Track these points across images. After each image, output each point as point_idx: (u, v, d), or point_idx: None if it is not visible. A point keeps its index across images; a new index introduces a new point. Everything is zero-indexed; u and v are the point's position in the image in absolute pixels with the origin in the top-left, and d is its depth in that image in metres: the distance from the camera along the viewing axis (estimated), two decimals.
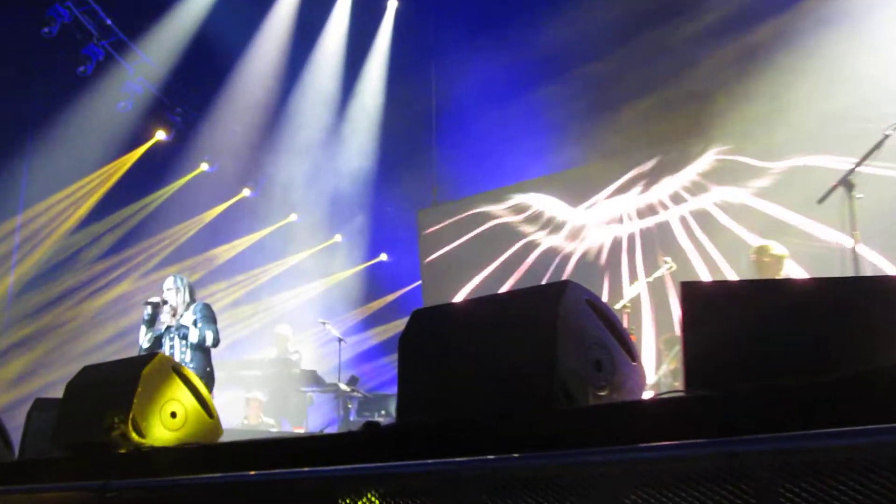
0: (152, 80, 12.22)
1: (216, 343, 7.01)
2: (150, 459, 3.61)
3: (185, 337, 6.99)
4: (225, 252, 14.31)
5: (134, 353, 7.27)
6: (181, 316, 7.28)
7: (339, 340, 10.75)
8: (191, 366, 6.90)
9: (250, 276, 14.84)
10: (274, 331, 11.88)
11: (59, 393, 4.40)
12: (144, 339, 7.13)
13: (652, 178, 10.75)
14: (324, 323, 11.10)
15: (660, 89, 10.29)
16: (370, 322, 16.18)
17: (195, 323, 7.11)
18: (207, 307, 7.26)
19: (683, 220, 10.28)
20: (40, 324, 11.30)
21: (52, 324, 11.39)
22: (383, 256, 16.70)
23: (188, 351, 6.97)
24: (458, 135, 13.18)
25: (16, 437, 4.96)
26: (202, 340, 7.02)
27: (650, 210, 10.66)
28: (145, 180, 12.76)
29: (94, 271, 12.28)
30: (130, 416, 3.91)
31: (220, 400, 8.37)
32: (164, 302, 7.25)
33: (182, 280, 7.41)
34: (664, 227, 10.53)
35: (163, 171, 12.82)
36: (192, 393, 4.21)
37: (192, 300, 7.38)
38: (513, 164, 12.38)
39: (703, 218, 10.46)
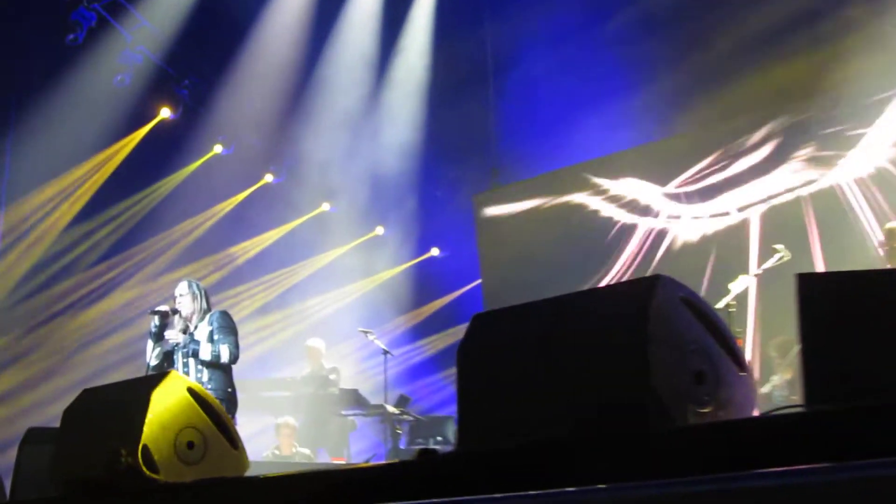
0: (154, 48, 12.43)
1: (234, 359, 7.29)
2: (163, 498, 3.57)
3: (196, 354, 7.32)
4: (247, 249, 14.68)
5: (141, 372, 7.48)
6: (195, 327, 7.48)
7: (385, 353, 11.03)
8: (209, 386, 7.09)
9: (277, 278, 15.08)
10: (306, 344, 12.11)
11: (55, 421, 4.48)
12: (152, 356, 7.34)
13: (764, 148, 10.59)
14: (366, 333, 11.34)
15: (776, 40, 10.13)
16: (421, 330, 16.44)
17: (211, 336, 7.37)
18: (226, 316, 7.53)
19: (802, 201, 10.15)
20: (30, 339, 11.36)
21: (43, 339, 11.63)
22: (434, 251, 16.94)
23: (205, 369, 7.21)
24: (521, 103, 13.01)
25: (6, 473, 4.99)
26: (216, 357, 7.35)
27: (761, 187, 10.52)
28: (150, 166, 13.02)
29: (92, 275, 12.55)
30: (140, 447, 3.97)
31: (246, 427, 8.64)
32: (175, 311, 7.52)
33: (196, 285, 7.66)
34: (777, 210, 10.42)
35: (170, 155, 13.02)
36: (211, 419, 4.27)
37: (208, 308, 7.64)
38: (588, 138, 12.24)
39: (826, 198, 10.76)
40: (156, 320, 7.49)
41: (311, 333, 12.69)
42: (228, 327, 7.47)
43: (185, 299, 7.56)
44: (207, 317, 7.56)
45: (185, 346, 7.32)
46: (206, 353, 7.24)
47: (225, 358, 7.29)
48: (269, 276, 15.03)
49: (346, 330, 13.63)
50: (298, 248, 15.09)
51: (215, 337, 7.37)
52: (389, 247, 16.08)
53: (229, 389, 7.24)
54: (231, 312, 7.62)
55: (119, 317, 12.58)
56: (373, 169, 14.52)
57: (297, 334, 14.15)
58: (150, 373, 7.03)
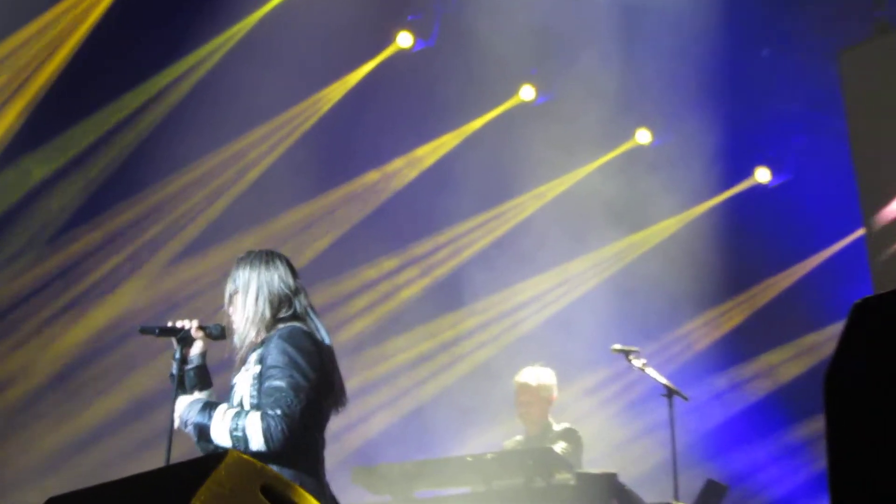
0: None
1: (284, 438, 4.63)
2: None
3: (202, 433, 4.83)
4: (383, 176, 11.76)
5: (158, 448, 5.21)
6: (244, 364, 4.91)
7: (669, 395, 7.73)
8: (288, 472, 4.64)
9: (440, 245, 11.83)
10: (515, 380, 8.20)
11: None
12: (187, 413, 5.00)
13: None
14: (625, 353, 7.94)
15: None
16: (740, 345, 12.05)
17: (260, 380, 4.80)
18: (295, 337, 4.85)
19: None
20: None
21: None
22: (762, 175, 12.22)
23: (270, 429, 4.67)
24: None
25: None
26: (239, 439, 4.69)
27: None
28: None
29: (56, 265, 10.25)
30: None
31: None
32: (204, 328, 5.06)
33: (259, 268, 5.08)
34: None
35: None
36: None
37: (272, 322, 4.97)
38: None
39: None
40: (176, 347, 5.05)
41: (520, 358, 8.86)
42: (290, 362, 4.74)
43: (234, 300, 5.03)
44: (271, 339, 4.84)
45: (189, 412, 4.89)
46: (220, 432, 4.76)
47: (257, 441, 4.64)
48: (421, 243, 11.78)
49: (586, 350, 10.11)
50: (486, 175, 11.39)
51: (262, 386, 4.73)
52: (664, 170, 11.66)
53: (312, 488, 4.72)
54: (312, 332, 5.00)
55: (113, 338, 10.13)
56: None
57: (491, 361, 10.95)
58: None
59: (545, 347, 9.97)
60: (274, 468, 4.24)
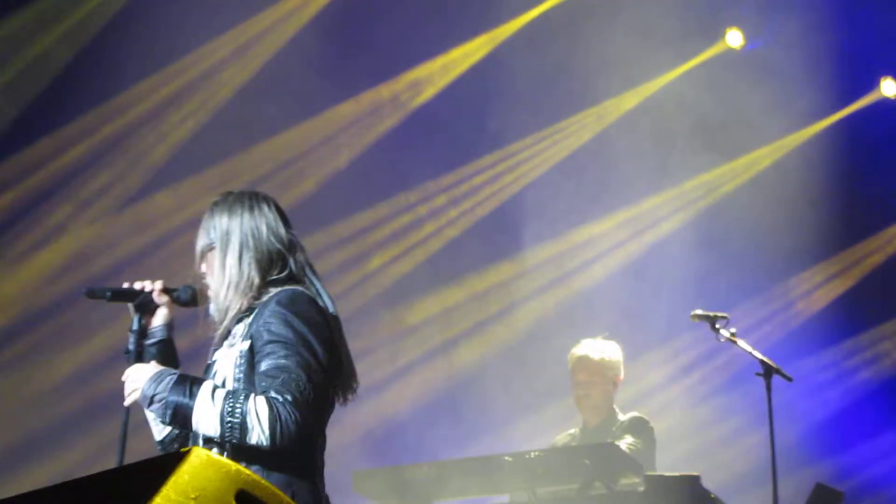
0: None
1: (295, 433, 3.94)
2: None
3: (179, 414, 4.01)
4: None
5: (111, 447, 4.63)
6: (226, 336, 4.20)
7: (767, 374, 7.02)
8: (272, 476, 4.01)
9: (480, 172, 10.73)
10: (572, 353, 7.40)
11: None
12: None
13: None
14: (710, 321, 7.17)
15: None
16: (867, 310, 10.82)
17: (242, 362, 4.10)
18: (296, 303, 4.14)
19: None
20: None
21: None
22: (888, 88, 11.09)
23: (257, 426, 3.97)
24: None
25: None
26: (237, 428, 3.95)
27: None
28: None
29: None
30: None
31: None
32: (170, 292, 4.37)
33: (241, 214, 4.34)
34: None
35: None
36: None
37: (261, 283, 4.21)
38: None
39: None
40: (133, 315, 4.37)
41: (576, 325, 8.50)
42: (297, 336, 4.06)
43: (211, 258, 4.31)
44: (268, 304, 4.14)
45: (157, 385, 4.04)
46: (206, 416, 3.98)
47: (260, 432, 3.94)
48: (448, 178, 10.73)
49: (660, 314, 9.36)
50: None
51: (261, 366, 4.03)
52: (765, 84, 10.52)
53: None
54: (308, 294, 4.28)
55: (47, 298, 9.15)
56: None
57: (539, 328, 9.98)
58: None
59: (608, 310, 9.10)
60: (257, 472, 3.89)
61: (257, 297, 4.19)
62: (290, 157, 10.21)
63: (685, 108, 10.30)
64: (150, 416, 4.29)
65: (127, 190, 9.50)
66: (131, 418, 4.20)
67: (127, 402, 4.09)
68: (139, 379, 4.08)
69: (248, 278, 4.19)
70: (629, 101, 10.70)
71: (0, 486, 8.41)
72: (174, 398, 4.00)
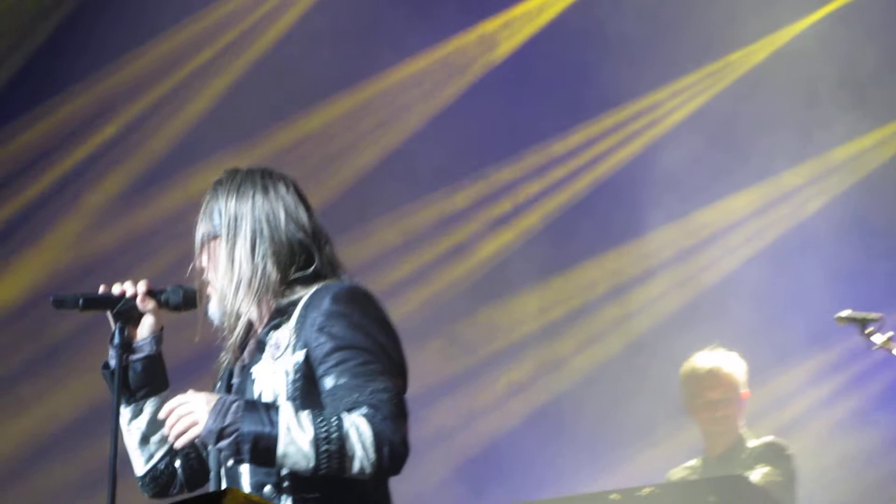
0: None
1: (398, 460, 3.29)
2: None
3: (256, 445, 3.32)
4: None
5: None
6: (256, 346, 3.53)
7: None
8: None
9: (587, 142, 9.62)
10: (685, 368, 6.64)
11: None
12: (128, 433, 3.67)
13: None
14: (859, 325, 6.24)
15: None
16: None
17: (301, 379, 3.39)
18: (356, 301, 3.46)
19: None
20: None
21: None
22: None
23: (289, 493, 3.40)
24: None
25: None
26: (381, 450, 3.26)
27: None
28: None
29: None
30: None
31: None
32: (156, 295, 3.55)
33: (253, 196, 3.59)
34: None
35: None
36: None
37: (288, 284, 3.53)
38: None
39: None
40: (113, 326, 3.53)
41: (695, 328, 7.80)
42: (374, 342, 3.41)
43: (215, 249, 3.55)
44: (298, 312, 3.44)
45: (224, 416, 3.29)
46: (296, 445, 3.25)
47: (362, 460, 3.24)
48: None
49: (799, 315, 8.26)
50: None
51: (331, 380, 3.33)
52: None
53: None
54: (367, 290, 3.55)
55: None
56: None
57: (650, 333, 8.88)
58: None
59: (735, 311, 8.20)
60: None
61: (280, 297, 3.55)
62: (329, 132, 9.21)
63: (831, 57, 8.93)
64: (133, 444, 3.61)
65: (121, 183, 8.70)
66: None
67: (181, 444, 3.37)
68: (197, 411, 3.36)
69: (264, 275, 3.56)
70: (762, 50, 9.36)
71: None
72: (251, 428, 3.34)
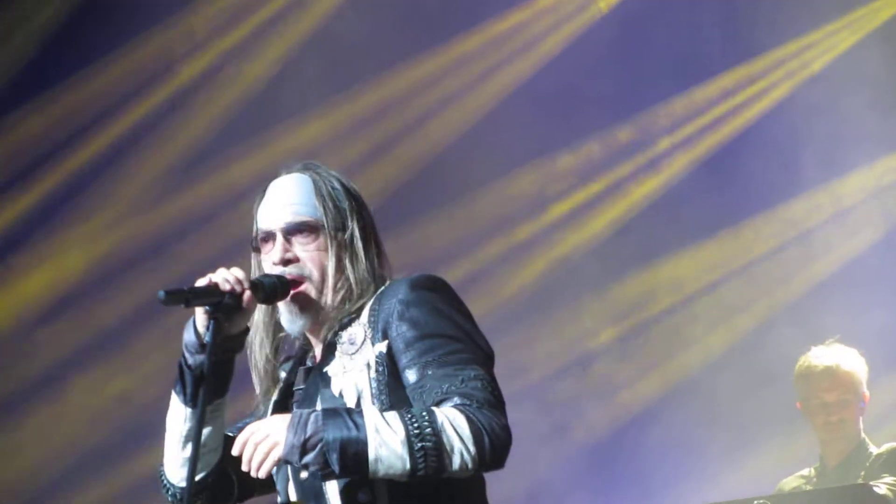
0: None
1: (501, 451, 3.01)
2: None
3: (346, 455, 3.02)
4: None
5: None
6: (334, 338, 3.24)
7: None
8: None
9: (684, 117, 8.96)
10: (800, 368, 6.29)
11: None
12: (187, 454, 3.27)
13: None
14: None
15: None
16: None
17: (389, 365, 3.16)
18: (442, 286, 3.21)
19: None
20: None
21: None
22: None
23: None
24: None
25: None
26: (481, 442, 2.97)
27: None
28: None
29: None
30: None
31: None
32: (256, 286, 3.12)
33: (349, 186, 3.30)
34: None
35: None
36: None
37: (373, 276, 3.27)
38: None
39: None
40: (199, 324, 3.10)
41: (803, 326, 7.36)
42: (463, 331, 3.13)
43: (310, 241, 3.24)
44: (370, 307, 3.18)
45: (304, 428, 2.98)
46: (388, 447, 2.98)
47: (463, 455, 2.93)
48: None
49: None
50: None
51: (418, 371, 3.06)
52: None
53: None
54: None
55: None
56: None
57: (759, 327, 8.34)
58: None
59: (854, 302, 7.70)
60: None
61: (362, 296, 3.27)
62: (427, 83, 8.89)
63: None
64: (176, 455, 3.29)
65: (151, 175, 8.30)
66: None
67: (265, 471, 3.06)
68: (273, 433, 3.10)
69: (368, 279, 3.28)
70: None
71: None
72: (336, 435, 3.09)
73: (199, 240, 8.14)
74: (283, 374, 3.44)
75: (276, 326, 3.40)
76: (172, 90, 8.33)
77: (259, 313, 3.38)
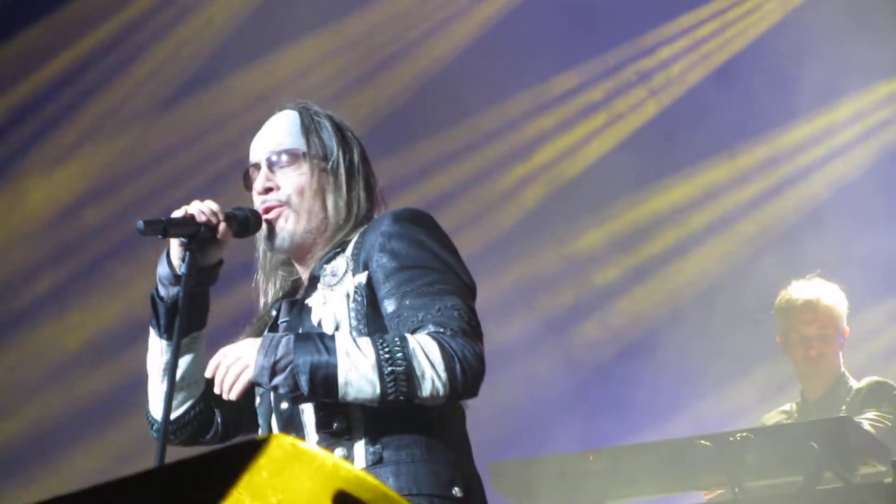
0: None
1: (473, 380, 3.11)
2: None
3: (314, 374, 3.13)
4: None
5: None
6: (317, 273, 3.39)
7: None
8: (399, 475, 3.15)
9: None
10: (780, 300, 6.30)
11: None
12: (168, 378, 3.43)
13: None
14: None
15: None
16: None
17: (362, 299, 3.24)
18: (416, 222, 3.35)
19: None
20: None
21: None
22: None
23: (359, 425, 3.20)
24: None
25: None
26: (452, 368, 3.05)
27: None
28: None
29: None
30: None
31: None
32: (231, 219, 3.29)
33: (341, 130, 3.43)
34: None
35: None
36: None
37: (368, 205, 3.44)
38: None
39: None
40: (174, 256, 3.29)
41: (779, 260, 7.47)
42: (442, 261, 3.25)
43: (293, 172, 3.37)
44: (355, 240, 3.31)
45: (275, 350, 3.10)
46: (358, 370, 3.04)
47: (433, 381, 3.03)
48: None
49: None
50: None
51: (395, 301, 3.13)
52: None
53: (455, 490, 3.14)
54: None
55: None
56: None
57: (739, 251, 8.49)
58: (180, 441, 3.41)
59: (834, 235, 7.64)
60: (414, 444, 3.11)
61: (352, 230, 3.39)
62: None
63: None
64: (158, 389, 3.37)
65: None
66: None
67: (236, 393, 3.14)
68: (244, 355, 3.21)
69: (350, 211, 3.39)
70: None
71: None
72: (306, 358, 3.15)
73: (189, 160, 7.99)
74: (274, 313, 3.47)
75: (280, 266, 3.47)
76: (167, 16, 8.02)
77: (263, 258, 3.42)
